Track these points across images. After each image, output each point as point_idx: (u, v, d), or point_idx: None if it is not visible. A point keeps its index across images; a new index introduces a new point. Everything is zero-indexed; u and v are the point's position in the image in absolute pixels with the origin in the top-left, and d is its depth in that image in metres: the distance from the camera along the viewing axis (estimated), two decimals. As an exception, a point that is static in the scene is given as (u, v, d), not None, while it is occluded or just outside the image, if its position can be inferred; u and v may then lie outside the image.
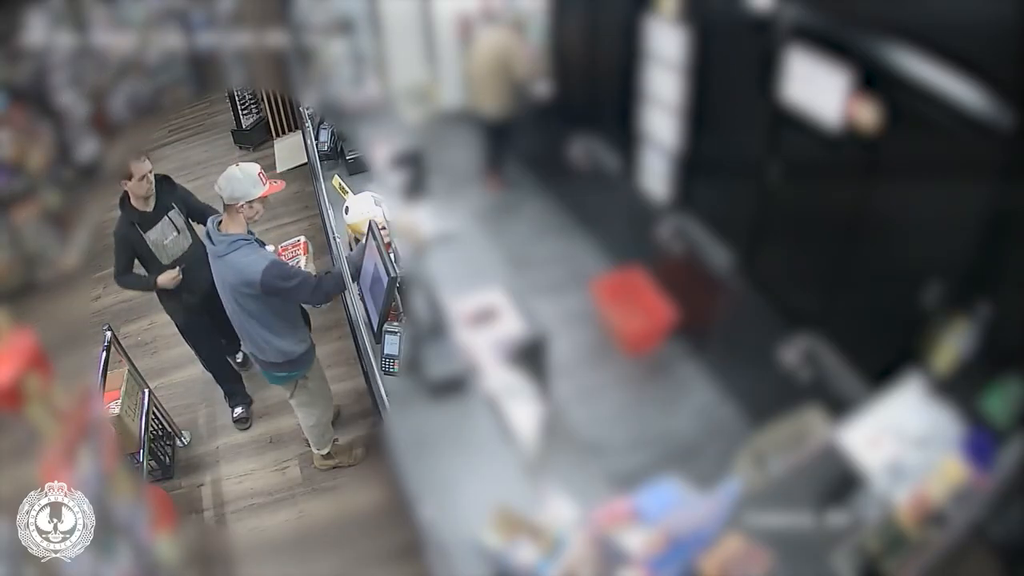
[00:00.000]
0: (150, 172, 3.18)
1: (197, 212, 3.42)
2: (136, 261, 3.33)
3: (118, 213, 3.25)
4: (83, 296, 4.38)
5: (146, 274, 3.38)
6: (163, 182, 3.31)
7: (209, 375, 3.89)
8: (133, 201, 3.21)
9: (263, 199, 2.71)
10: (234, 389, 3.87)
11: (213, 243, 2.73)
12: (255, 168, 2.72)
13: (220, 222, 2.75)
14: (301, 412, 3.25)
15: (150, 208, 3.23)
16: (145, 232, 3.23)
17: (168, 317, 3.65)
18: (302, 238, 3.54)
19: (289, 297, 2.74)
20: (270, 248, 2.96)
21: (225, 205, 2.67)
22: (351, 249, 3.32)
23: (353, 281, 2.81)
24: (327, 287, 2.79)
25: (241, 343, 3.07)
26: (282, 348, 2.93)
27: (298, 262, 3.34)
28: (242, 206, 2.65)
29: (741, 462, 1.68)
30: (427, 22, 2.49)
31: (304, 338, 3.03)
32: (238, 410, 3.87)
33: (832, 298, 1.80)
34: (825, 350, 1.83)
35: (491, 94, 2.46)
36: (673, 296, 2.19)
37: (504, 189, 2.61)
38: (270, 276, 2.64)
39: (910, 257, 1.57)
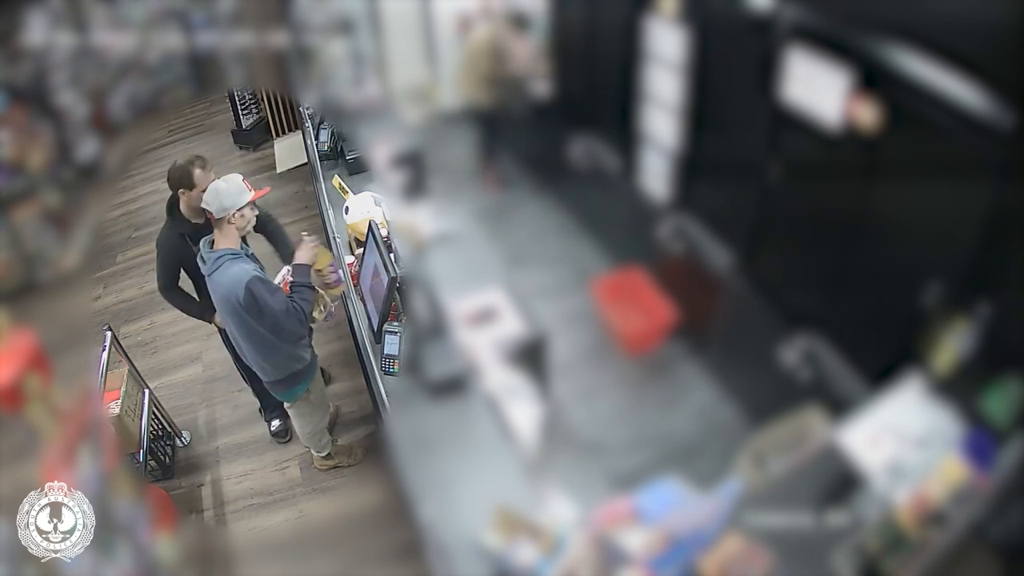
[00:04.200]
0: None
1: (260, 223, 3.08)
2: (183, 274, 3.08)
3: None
4: (83, 296, 4.39)
5: (196, 296, 3.15)
6: None
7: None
8: (184, 211, 2.98)
9: (251, 205, 2.69)
10: (272, 403, 3.73)
11: (204, 263, 2.69)
12: (238, 177, 2.69)
13: (212, 241, 2.73)
14: (299, 421, 3.24)
15: (202, 220, 2.91)
16: (196, 245, 2.85)
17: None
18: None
19: (268, 314, 2.64)
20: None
21: (215, 220, 2.65)
22: (351, 251, 3.32)
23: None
24: (303, 307, 2.71)
25: (248, 362, 3.00)
26: (288, 360, 2.90)
27: None
28: (233, 216, 2.64)
29: (741, 462, 1.68)
30: (427, 22, 2.49)
31: (307, 345, 3.02)
32: (276, 423, 3.74)
33: (832, 298, 1.80)
34: (825, 350, 1.83)
35: (480, 86, 2.46)
36: (673, 296, 2.19)
37: (500, 183, 2.61)
38: (256, 287, 2.60)
39: (910, 257, 1.56)
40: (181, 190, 2.93)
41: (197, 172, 2.88)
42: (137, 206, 5.59)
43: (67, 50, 2.79)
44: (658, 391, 2.22)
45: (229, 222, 2.64)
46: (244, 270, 2.64)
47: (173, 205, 3.01)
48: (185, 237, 2.96)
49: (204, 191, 2.72)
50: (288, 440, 3.73)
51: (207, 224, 2.79)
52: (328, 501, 3.40)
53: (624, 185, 2.26)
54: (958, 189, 1.44)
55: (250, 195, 2.67)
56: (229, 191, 2.62)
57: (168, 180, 2.95)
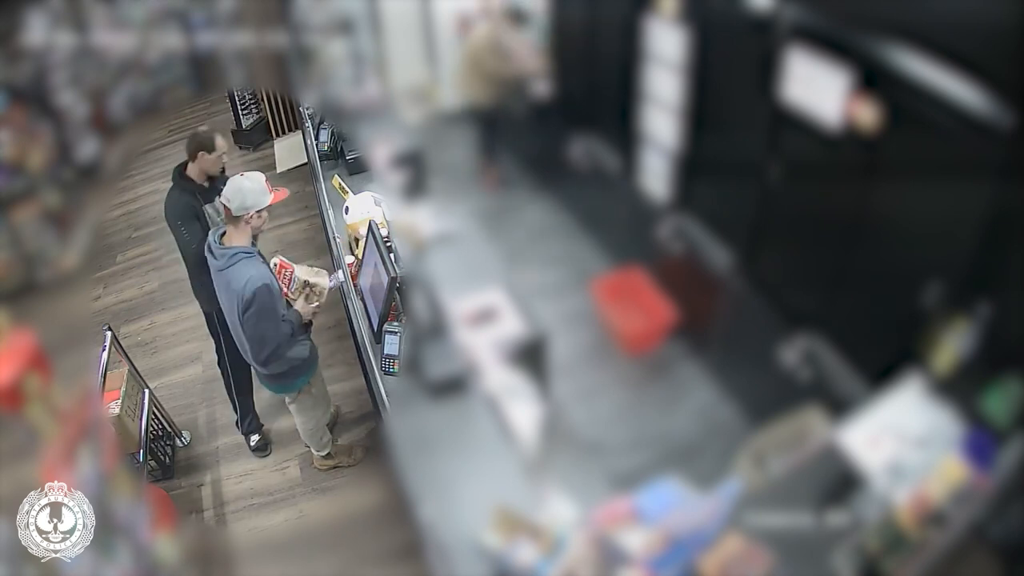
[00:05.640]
0: (224, 153, 3.15)
1: None
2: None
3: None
4: (83, 296, 4.39)
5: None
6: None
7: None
8: (194, 175, 3.13)
9: (268, 207, 2.69)
10: (248, 414, 3.69)
11: (215, 257, 2.68)
12: (261, 176, 2.68)
13: (223, 234, 2.72)
14: (301, 417, 3.23)
15: (206, 185, 3.16)
16: (204, 205, 3.13)
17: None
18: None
19: (268, 324, 2.68)
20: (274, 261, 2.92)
21: (231, 217, 2.64)
22: (351, 251, 3.31)
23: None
24: (295, 347, 2.83)
25: (246, 356, 3.01)
26: (288, 355, 2.91)
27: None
28: (250, 216, 2.63)
29: (741, 462, 1.68)
30: (427, 22, 2.49)
31: (304, 340, 3.02)
32: (254, 438, 3.71)
33: (832, 298, 1.80)
34: (825, 350, 1.83)
35: (481, 85, 2.46)
36: (673, 296, 2.19)
37: (500, 183, 2.61)
38: (262, 296, 2.60)
39: (910, 257, 1.57)
40: (201, 152, 3.08)
41: (219, 138, 3.09)
42: (137, 206, 5.59)
43: (67, 50, 2.79)
44: (658, 391, 2.22)
45: (247, 221, 2.63)
46: (261, 273, 2.65)
47: (181, 171, 3.14)
48: (197, 195, 3.11)
49: (222, 155, 3.08)
50: (269, 453, 3.71)
51: (210, 189, 3.02)
52: (328, 501, 3.40)
53: (624, 185, 2.26)
54: (958, 189, 1.44)
55: (271, 197, 2.66)
56: (253, 190, 2.61)
57: (187, 146, 3.11)
